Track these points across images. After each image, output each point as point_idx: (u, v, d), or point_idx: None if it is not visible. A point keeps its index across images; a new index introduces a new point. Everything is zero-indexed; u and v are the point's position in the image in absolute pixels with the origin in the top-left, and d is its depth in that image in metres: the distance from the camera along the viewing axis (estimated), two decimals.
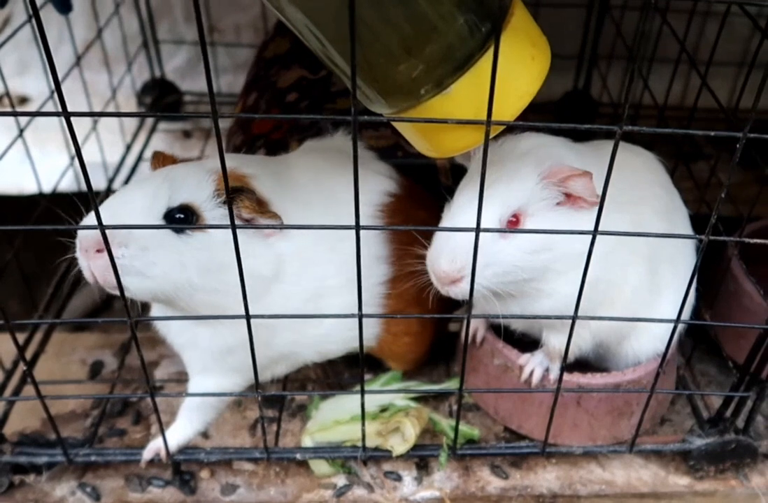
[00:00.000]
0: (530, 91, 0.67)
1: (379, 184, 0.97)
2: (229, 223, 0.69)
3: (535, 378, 0.94)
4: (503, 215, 0.79)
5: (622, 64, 1.29)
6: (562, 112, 1.64)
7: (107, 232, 0.70)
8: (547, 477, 1.02)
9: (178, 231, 0.81)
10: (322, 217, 0.89)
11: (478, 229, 0.69)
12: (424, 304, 0.99)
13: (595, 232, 0.73)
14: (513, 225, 0.79)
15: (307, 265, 0.89)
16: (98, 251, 0.77)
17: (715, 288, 1.07)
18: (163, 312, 0.91)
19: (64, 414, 1.05)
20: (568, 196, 0.80)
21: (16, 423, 1.01)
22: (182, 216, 0.81)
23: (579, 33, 1.49)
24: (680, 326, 0.99)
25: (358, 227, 0.69)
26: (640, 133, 0.69)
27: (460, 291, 0.80)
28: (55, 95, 0.62)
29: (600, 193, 0.71)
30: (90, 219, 0.79)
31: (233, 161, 0.85)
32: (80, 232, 0.78)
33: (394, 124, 0.73)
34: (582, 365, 1.00)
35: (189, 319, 0.88)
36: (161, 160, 0.91)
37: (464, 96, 0.65)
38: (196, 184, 0.83)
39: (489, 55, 0.62)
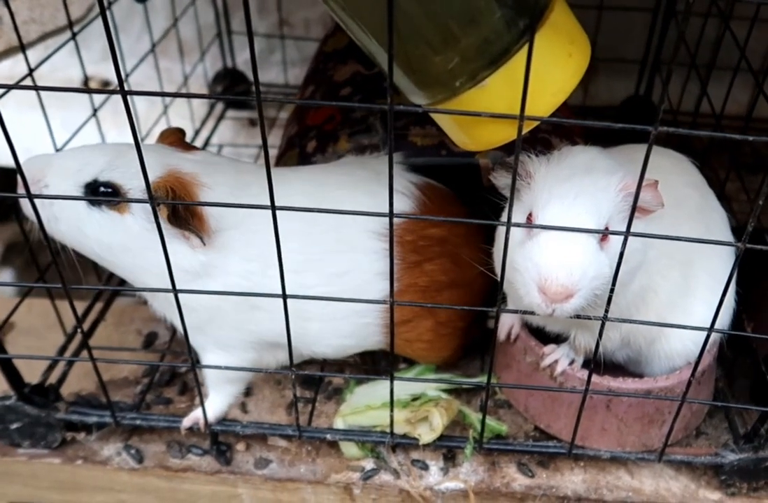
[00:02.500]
0: (565, 88, 0.69)
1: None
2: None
3: (559, 368, 0.95)
4: (599, 228, 0.78)
5: (685, 70, 1.28)
6: (623, 118, 1.62)
7: (34, 174, 0.82)
8: (573, 479, 1.02)
9: (93, 204, 0.85)
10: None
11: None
12: (438, 315, 1.02)
13: (627, 233, 0.74)
14: (603, 238, 0.78)
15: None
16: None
17: (759, 299, 1.05)
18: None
19: (118, 379, 1.12)
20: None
21: (73, 385, 1.08)
22: (109, 190, 0.85)
23: (643, 37, 1.48)
24: (719, 336, 0.99)
25: (391, 215, 0.73)
26: (676, 135, 0.69)
27: (570, 308, 0.77)
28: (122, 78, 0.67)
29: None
30: (44, 156, 0.88)
31: (199, 167, 0.87)
32: (26, 164, 0.84)
33: (433, 115, 0.76)
34: (615, 369, 1.01)
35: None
36: (170, 138, 0.94)
37: (499, 90, 0.68)
38: (137, 170, 0.83)
39: (525, 50, 0.64)
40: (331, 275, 0.94)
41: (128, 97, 0.66)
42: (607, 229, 0.78)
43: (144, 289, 0.91)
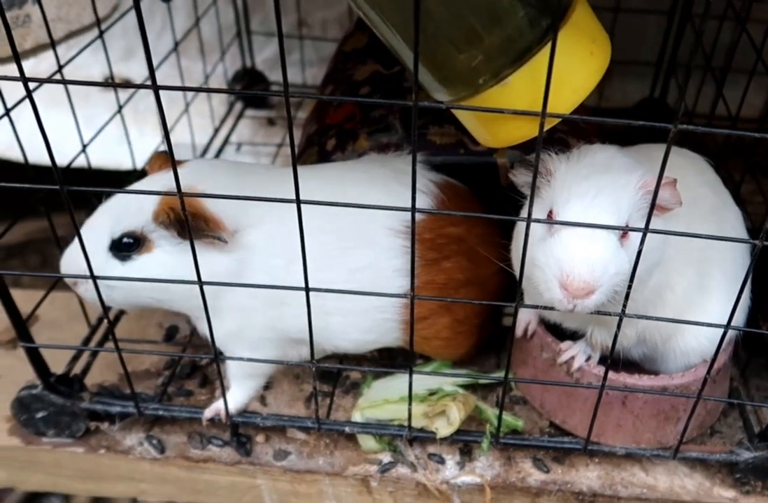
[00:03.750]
0: (586, 86, 0.71)
1: (409, 201, 0.99)
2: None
3: (575, 365, 0.96)
4: (620, 225, 0.79)
5: (700, 73, 1.29)
6: (637, 119, 1.62)
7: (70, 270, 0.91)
8: (588, 476, 1.03)
9: (122, 259, 0.90)
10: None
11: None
12: (455, 312, 1.03)
13: (646, 230, 0.75)
14: (623, 236, 0.79)
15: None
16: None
17: None
18: None
19: (139, 371, 1.14)
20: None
21: (96, 376, 1.10)
22: (130, 241, 0.89)
23: (658, 40, 1.49)
24: (734, 334, 1.00)
25: (413, 209, 0.74)
26: (691, 136, 0.71)
27: (591, 304, 0.77)
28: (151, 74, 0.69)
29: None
30: (67, 254, 0.94)
31: (192, 178, 0.89)
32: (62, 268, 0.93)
33: (455, 112, 0.77)
34: (631, 367, 1.02)
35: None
36: (158, 163, 0.98)
37: (521, 88, 0.69)
38: (137, 210, 0.89)
39: (547, 48, 0.65)
40: (350, 271, 0.96)
41: (158, 91, 0.67)
42: (627, 226, 0.79)
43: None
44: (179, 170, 0.79)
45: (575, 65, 0.70)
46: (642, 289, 0.85)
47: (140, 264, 0.90)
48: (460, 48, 0.66)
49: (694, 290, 0.91)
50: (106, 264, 0.90)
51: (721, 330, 0.84)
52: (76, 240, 0.91)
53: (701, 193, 0.93)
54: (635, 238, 0.78)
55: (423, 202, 0.99)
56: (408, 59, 0.70)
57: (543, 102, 0.65)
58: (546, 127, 0.68)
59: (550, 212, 0.82)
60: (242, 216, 0.91)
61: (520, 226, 0.91)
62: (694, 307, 0.92)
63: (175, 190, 0.85)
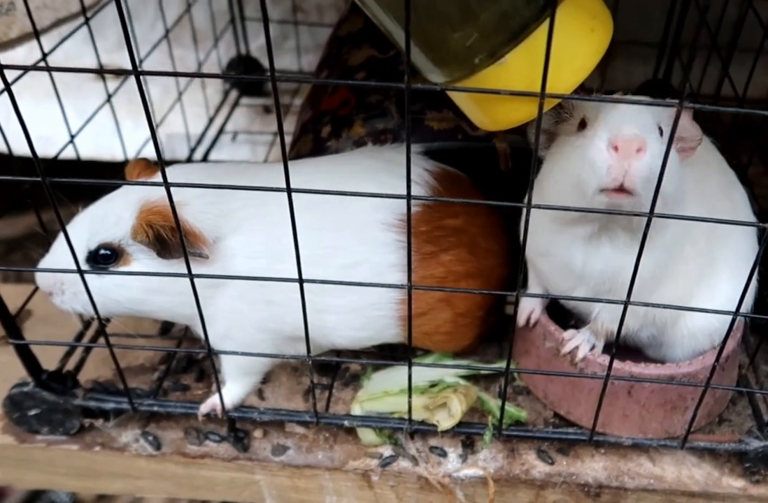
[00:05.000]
0: (587, 65, 0.68)
1: (403, 191, 0.96)
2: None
3: (580, 354, 0.94)
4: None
5: (705, 53, 1.25)
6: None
7: (47, 283, 0.90)
8: (594, 467, 1.01)
9: (101, 270, 0.88)
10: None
11: None
12: (456, 306, 1.00)
13: (650, 215, 0.73)
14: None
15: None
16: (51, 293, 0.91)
17: None
18: None
19: (134, 366, 1.12)
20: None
21: (90, 372, 1.08)
22: (108, 253, 0.88)
23: (661, 20, 1.46)
24: (743, 319, 0.97)
25: (409, 197, 0.71)
26: (701, 114, 0.68)
27: (644, 167, 0.71)
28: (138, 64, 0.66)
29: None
30: (42, 264, 0.92)
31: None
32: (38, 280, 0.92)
33: (451, 95, 0.74)
34: (636, 356, 0.99)
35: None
36: (137, 170, 0.95)
37: (519, 67, 0.66)
38: (115, 222, 0.87)
39: (545, 25, 0.63)
40: (342, 268, 0.93)
41: (141, 78, 0.65)
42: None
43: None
44: (153, 180, 0.76)
45: (575, 43, 0.67)
46: (662, 233, 0.83)
47: (118, 277, 0.88)
48: (454, 26, 0.63)
49: (705, 265, 0.90)
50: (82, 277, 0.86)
51: (729, 309, 0.81)
52: (53, 250, 0.92)
53: (716, 170, 0.92)
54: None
55: (417, 193, 0.96)
56: (401, 40, 0.68)
57: (542, 82, 0.62)
58: (545, 108, 0.65)
59: (582, 121, 0.79)
60: (222, 224, 0.89)
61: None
62: (704, 284, 0.90)
63: (151, 200, 0.87)
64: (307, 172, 0.97)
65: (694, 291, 0.90)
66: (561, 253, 0.88)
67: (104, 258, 0.88)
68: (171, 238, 0.84)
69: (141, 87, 0.65)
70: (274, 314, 0.94)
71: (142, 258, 0.89)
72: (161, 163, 0.70)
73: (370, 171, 0.96)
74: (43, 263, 0.92)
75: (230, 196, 0.90)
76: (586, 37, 0.67)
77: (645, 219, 0.71)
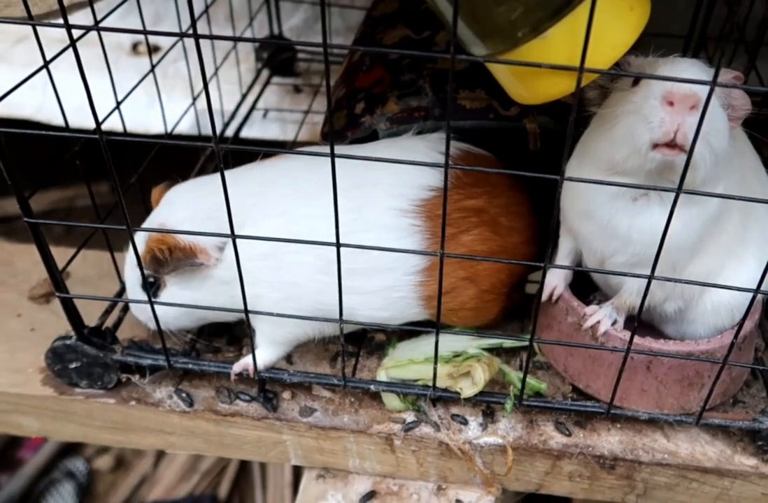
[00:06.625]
0: (626, 41, 0.70)
1: (419, 178, 0.99)
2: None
3: (602, 329, 0.96)
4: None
5: (732, 47, 1.27)
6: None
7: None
8: (610, 440, 1.03)
9: (155, 295, 1.02)
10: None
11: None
12: (480, 283, 1.03)
13: (678, 190, 0.75)
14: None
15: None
16: None
17: None
18: None
19: None
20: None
21: (126, 332, 1.12)
22: (151, 280, 1.01)
23: (688, 13, 1.47)
24: (761, 300, 1.00)
25: (447, 166, 0.74)
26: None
27: (695, 122, 0.68)
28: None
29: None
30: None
31: (165, 212, 1.02)
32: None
33: (490, 68, 0.77)
34: (655, 334, 1.02)
35: None
36: (157, 195, 1.07)
37: (560, 42, 0.69)
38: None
39: (587, 2, 0.65)
40: (356, 252, 0.91)
41: (198, 39, 0.68)
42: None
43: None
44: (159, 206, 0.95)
45: (614, 20, 0.70)
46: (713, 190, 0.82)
47: (163, 300, 1.01)
48: (499, 0, 0.66)
49: (735, 240, 0.92)
50: (143, 297, 0.99)
51: (753, 286, 0.83)
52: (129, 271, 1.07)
53: (750, 152, 0.94)
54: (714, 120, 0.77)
55: (434, 177, 0.98)
56: (447, 11, 0.71)
57: (581, 57, 0.65)
58: (583, 83, 0.68)
59: (636, 79, 0.81)
60: (224, 230, 0.90)
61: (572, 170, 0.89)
62: (732, 258, 0.93)
63: (164, 227, 0.99)
64: (320, 163, 0.99)
65: (725, 265, 0.92)
66: (605, 213, 0.88)
67: (151, 285, 1.01)
68: (167, 258, 0.95)
69: (199, 49, 0.68)
70: (291, 295, 0.98)
71: (170, 280, 1.01)
72: (215, 135, 0.74)
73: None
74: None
75: (219, 213, 0.94)
76: (625, 14, 0.70)
77: (698, 175, 0.74)
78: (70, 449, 2.26)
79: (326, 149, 0.75)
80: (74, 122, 1.03)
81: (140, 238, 0.99)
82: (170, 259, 0.95)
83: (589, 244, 0.95)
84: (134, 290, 1.04)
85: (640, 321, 0.89)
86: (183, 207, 1.01)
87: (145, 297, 0.96)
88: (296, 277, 0.96)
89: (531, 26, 0.68)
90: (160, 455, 2.23)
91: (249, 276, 0.92)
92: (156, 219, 1.02)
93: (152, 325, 1.02)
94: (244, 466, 2.24)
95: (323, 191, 0.83)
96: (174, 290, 1.01)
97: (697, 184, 0.79)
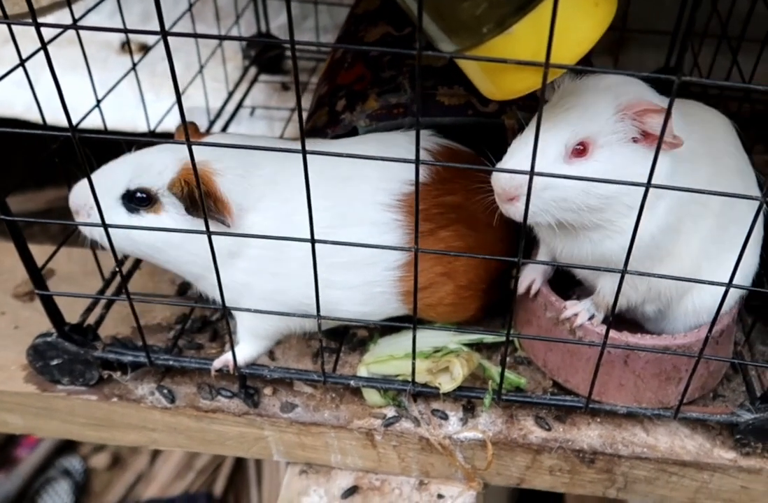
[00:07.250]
0: (591, 37, 0.71)
1: (402, 172, 0.99)
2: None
3: (578, 321, 0.97)
4: (569, 141, 0.80)
5: (715, 42, 1.27)
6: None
7: (77, 203, 0.95)
8: (589, 434, 1.04)
9: (130, 210, 0.94)
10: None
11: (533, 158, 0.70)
12: (458, 279, 1.03)
13: (648, 185, 0.75)
14: (580, 153, 0.81)
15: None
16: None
17: None
18: None
19: (151, 325, 1.17)
20: (646, 135, 0.81)
21: (109, 329, 1.13)
22: (143, 196, 0.93)
23: (675, 9, 1.48)
24: (739, 296, 1.00)
25: (417, 162, 0.75)
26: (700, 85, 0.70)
27: (516, 211, 0.83)
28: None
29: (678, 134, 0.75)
30: (80, 185, 0.97)
31: (209, 153, 0.91)
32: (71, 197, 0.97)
33: (460, 64, 0.77)
34: (635, 328, 1.02)
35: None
36: (180, 131, 1.01)
37: (525, 37, 0.69)
38: (158, 172, 0.93)
39: None
40: (340, 246, 0.94)
41: (167, 37, 0.69)
42: (584, 145, 0.81)
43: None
44: (201, 145, 0.82)
45: (579, 16, 0.70)
46: (627, 213, 0.83)
47: (145, 222, 0.94)
48: None
49: (712, 243, 0.91)
50: (111, 209, 0.93)
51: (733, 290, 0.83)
52: (96, 179, 0.93)
53: (728, 151, 0.93)
54: (600, 158, 0.81)
55: (411, 173, 0.96)
56: (414, 8, 0.71)
57: (546, 52, 0.65)
58: (549, 79, 0.68)
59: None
60: (244, 198, 0.93)
61: None
62: (713, 262, 0.92)
63: (206, 164, 0.92)
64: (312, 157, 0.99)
65: (702, 266, 0.92)
66: (550, 241, 0.92)
67: (139, 200, 0.94)
68: (200, 199, 0.88)
69: (168, 50, 0.69)
70: (280, 287, 0.98)
71: (171, 211, 0.94)
72: (186, 133, 0.74)
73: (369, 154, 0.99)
74: (80, 184, 0.97)
75: (255, 172, 0.95)
76: (591, 10, 0.70)
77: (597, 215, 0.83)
78: (66, 447, 2.27)
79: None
80: (63, 121, 1.03)
81: (172, 159, 0.93)
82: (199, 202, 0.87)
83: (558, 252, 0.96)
84: (108, 194, 0.94)
85: (619, 317, 0.89)
86: (231, 155, 0.96)
87: (116, 208, 0.93)
88: (290, 270, 0.97)
89: (496, 22, 0.69)
90: (155, 453, 2.24)
91: (251, 264, 0.93)
92: (200, 156, 0.88)
93: (102, 240, 0.96)
94: (240, 464, 2.25)
95: (321, 184, 0.85)
96: (167, 222, 0.94)
97: (606, 217, 0.84)
